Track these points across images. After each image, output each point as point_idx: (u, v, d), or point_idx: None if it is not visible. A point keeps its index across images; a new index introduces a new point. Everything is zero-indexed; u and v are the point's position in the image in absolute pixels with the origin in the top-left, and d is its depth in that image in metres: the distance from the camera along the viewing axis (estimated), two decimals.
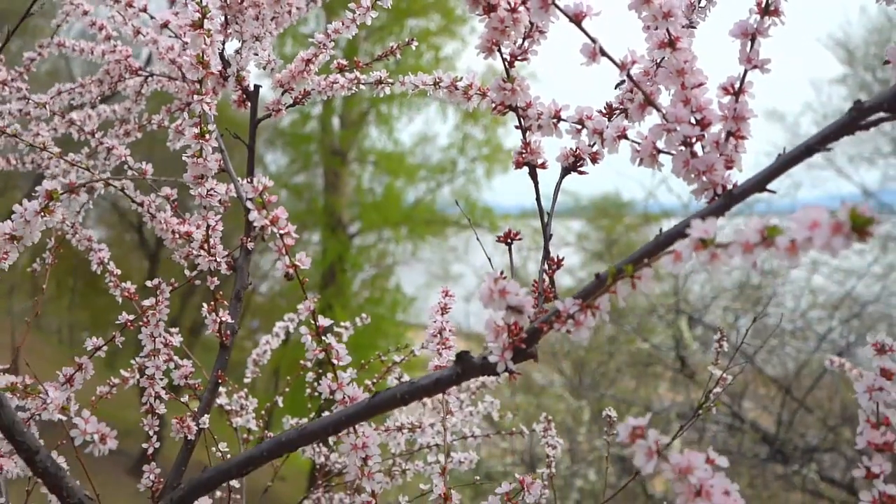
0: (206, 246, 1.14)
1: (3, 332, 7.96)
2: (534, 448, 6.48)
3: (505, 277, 0.68)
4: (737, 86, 0.75)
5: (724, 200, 0.71)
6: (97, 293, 10.89)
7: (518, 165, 0.92)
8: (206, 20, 1.00)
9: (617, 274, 0.63)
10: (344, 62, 1.31)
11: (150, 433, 1.11)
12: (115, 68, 1.54)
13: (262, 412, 1.75)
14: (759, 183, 0.69)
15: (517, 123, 0.92)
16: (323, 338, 0.87)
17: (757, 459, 5.99)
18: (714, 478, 0.54)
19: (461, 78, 1.09)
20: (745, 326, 1.69)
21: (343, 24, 1.25)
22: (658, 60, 0.81)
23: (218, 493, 1.45)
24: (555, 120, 0.90)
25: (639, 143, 0.82)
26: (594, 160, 0.90)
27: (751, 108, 0.75)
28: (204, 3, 1.00)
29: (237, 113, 1.34)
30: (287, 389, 1.92)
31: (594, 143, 0.89)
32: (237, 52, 1.25)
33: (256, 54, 1.25)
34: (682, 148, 0.77)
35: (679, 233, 0.69)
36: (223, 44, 1.26)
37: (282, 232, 0.84)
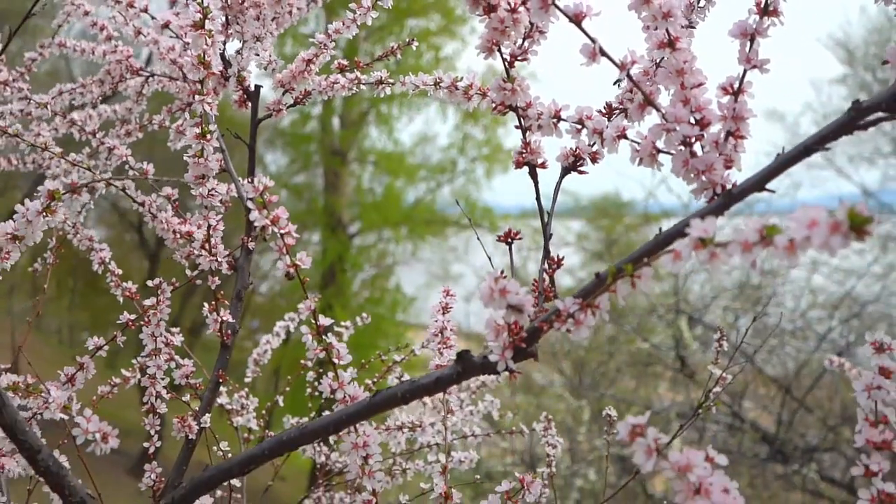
0: (207, 246, 1.14)
1: (3, 332, 7.96)
2: (534, 448, 6.48)
3: (505, 277, 0.68)
4: (736, 86, 0.76)
5: (724, 200, 0.72)
6: (97, 293, 10.90)
7: (518, 165, 0.93)
8: (207, 21, 1.01)
9: (617, 273, 0.63)
10: (344, 62, 1.32)
11: (152, 432, 1.12)
12: (116, 68, 1.54)
13: (263, 411, 1.76)
14: (758, 182, 0.70)
15: (517, 123, 0.92)
16: (324, 337, 0.87)
17: (757, 459, 5.99)
18: (713, 476, 0.54)
19: (461, 78, 1.10)
20: (745, 326, 1.69)
21: (343, 24, 1.26)
22: (658, 60, 0.81)
23: (219, 493, 1.45)
24: (555, 120, 0.90)
25: (638, 143, 0.82)
26: (594, 160, 0.90)
27: (750, 108, 0.75)
28: (205, 4, 1.01)
29: (237, 113, 1.34)
30: (287, 389, 1.92)
31: (594, 143, 0.89)
32: (238, 52, 1.26)
33: (257, 54, 1.25)
34: (682, 148, 0.77)
35: (678, 232, 0.69)
36: (224, 44, 1.26)
37: (282, 232, 0.84)
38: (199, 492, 0.92)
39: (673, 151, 0.78)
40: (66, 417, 0.88)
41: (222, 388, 1.51)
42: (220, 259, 1.15)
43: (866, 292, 7.21)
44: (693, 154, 0.77)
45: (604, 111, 0.89)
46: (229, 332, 1.17)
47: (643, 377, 7.62)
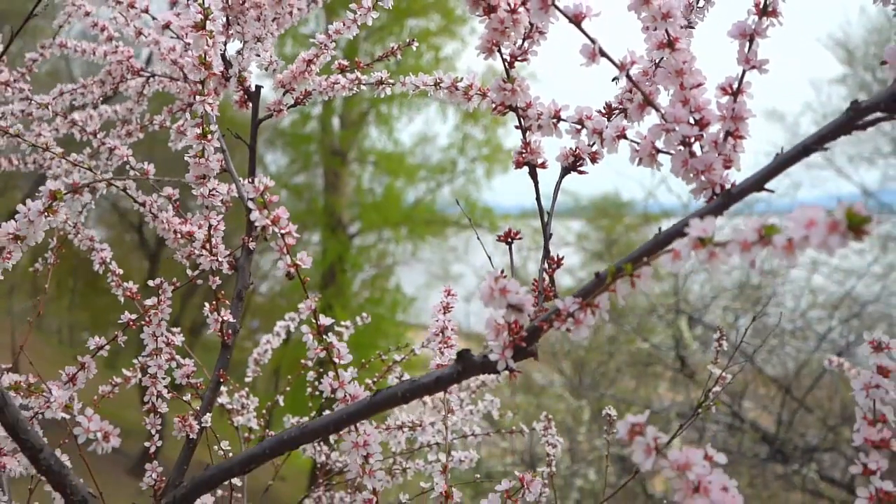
0: (208, 245, 1.14)
1: (4, 332, 7.96)
2: (534, 448, 6.49)
3: (505, 276, 0.69)
4: (735, 86, 0.76)
5: (723, 200, 0.72)
6: (98, 293, 10.91)
7: (518, 165, 0.93)
8: (208, 21, 1.01)
9: (616, 273, 0.64)
10: (345, 63, 1.32)
11: (153, 432, 1.12)
12: (117, 69, 1.55)
13: (263, 411, 1.76)
14: (757, 182, 0.70)
15: (517, 123, 0.93)
16: (324, 337, 0.88)
17: (757, 459, 5.99)
18: (712, 474, 0.54)
19: (461, 78, 1.10)
20: (745, 326, 1.70)
21: (344, 24, 1.26)
22: (657, 61, 0.81)
23: (219, 492, 1.46)
24: (555, 120, 0.90)
25: (638, 143, 0.82)
26: (594, 160, 0.91)
27: (749, 109, 0.76)
28: (206, 5, 1.01)
29: (237, 113, 1.35)
30: (288, 388, 1.93)
31: (594, 143, 0.90)
32: (239, 52, 1.26)
33: (258, 55, 1.26)
34: (681, 148, 0.77)
35: (678, 232, 0.69)
36: (225, 45, 1.26)
37: (283, 232, 0.84)
38: (200, 491, 0.92)
39: (672, 151, 0.78)
40: (67, 417, 0.88)
41: (223, 388, 1.51)
42: (220, 259, 1.15)
43: (866, 292, 7.22)
44: (692, 154, 0.77)
45: (603, 111, 0.89)
46: (230, 331, 1.17)
47: (643, 377, 7.63)
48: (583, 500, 6.06)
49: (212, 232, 1.14)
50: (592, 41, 0.77)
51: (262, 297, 11.25)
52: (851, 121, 0.66)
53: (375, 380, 1.76)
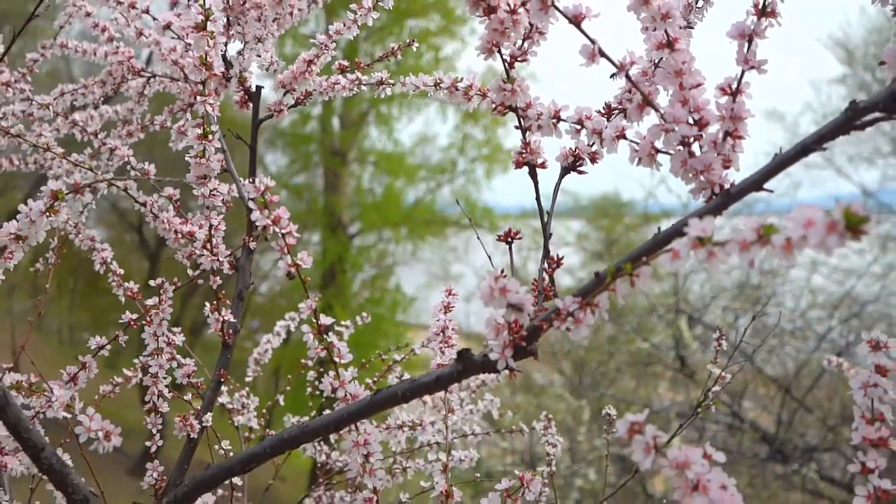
0: (208, 245, 1.15)
1: (4, 332, 7.96)
2: (534, 448, 6.49)
3: (505, 276, 0.69)
4: (734, 86, 0.76)
5: (722, 199, 0.72)
6: (98, 294, 10.91)
7: (518, 165, 0.93)
8: (209, 22, 1.01)
9: (616, 272, 0.64)
10: (345, 63, 1.32)
11: (154, 431, 1.12)
12: (117, 69, 1.55)
13: (264, 411, 1.77)
14: (756, 182, 0.70)
15: (517, 124, 0.93)
16: (325, 336, 0.88)
17: (757, 459, 5.99)
18: (711, 472, 0.54)
19: (462, 79, 1.10)
20: (745, 326, 1.70)
21: (345, 25, 1.26)
22: (656, 61, 0.82)
23: (220, 492, 1.46)
24: (554, 120, 0.91)
25: (637, 143, 0.83)
26: (593, 160, 0.91)
27: (748, 109, 0.76)
28: (207, 6, 1.01)
29: (237, 113, 1.35)
30: (288, 388, 1.93)
31: (593, 143, 0.90)
32: (239, 53, 1.26)
33: (259, 55, 1.26)
34: (680, 148, 0.78)
35: (677, 231, 0.70)
36: (225, 45, 1.26)
37: (284, 231, 0.85)
38: (202, 490, 0.92)
39: (671, 151, 0.79)
40: (69, 416, 0.88)
41: (223, 388, 1.51)
42: (221, 259, 1.15)
43: (866, 292, 7.22)
44: (691, 154, 0.77)
45: (603, 111, 0.89)
46: (231, 331, 1.17)
47: (643, 377, 7.63)
48: (583, 499, 6.06)
49: (213, 232, 1.15)
50: (592, 42, 0.78)
51: (262, 297, 11.26)
52: (850, 121, 0.67)
53: (375, 379, 1.76)
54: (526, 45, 0.89)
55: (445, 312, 1.07)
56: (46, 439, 0.87)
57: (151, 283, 1.13)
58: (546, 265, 0.88)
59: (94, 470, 1.04)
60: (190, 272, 1.20)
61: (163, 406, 1.12)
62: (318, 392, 1.82)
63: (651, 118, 0.83)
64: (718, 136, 0.76)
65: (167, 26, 1.27)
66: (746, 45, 0.76)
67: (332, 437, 1.71)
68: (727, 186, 0.74)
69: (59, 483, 0.86)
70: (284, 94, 1.30)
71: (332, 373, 0.88)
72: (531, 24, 0.86)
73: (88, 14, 1.50)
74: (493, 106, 0.91)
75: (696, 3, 0.88)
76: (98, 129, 1.55)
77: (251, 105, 1.31)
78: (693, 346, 6.53)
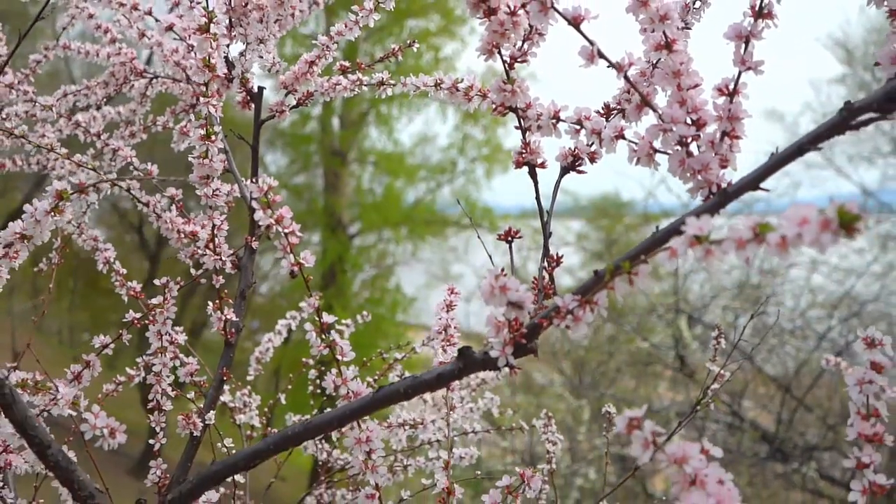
0: (211, 245, 1.16)
1: (4, 332, 7.97)
2: (534, 447, 6.50)
3: (506, 274, 0.70)
4: (731, 87, 0.77)
5: (719, 199, 0.73)
6: (97, 294, 10.91)
7: (518, 165, 0.94)
8: (212, 24, 1.02)
9: (614, 270, 0.65)
10: (346, 64, 1.33)
11: (157, 429, 1.13)
12: (120, 70, 1.56)
13: (265, 409, 1.78)
14: (753, 181, 0.71)
15: (517, 124, 0.94)
16: (327, 334, 0.89)
17: (757, 458, 6.00)
18: (709, 467, 0.55)
19: (462, 79, 1.11)
20: (744, 325, 1.71)
21: (346, 26, 1.27)
22: (655, 62, 0.83)
23: (222, 490, 1.47)
24: (554, 120, 0.91)
25: (636, 143, 0.84)
26: (592, 160, 0.92)
27: (745, 109, 0.77)
28: (210, 8, 1.02)
29: (237, 113, 1.36)
30: (289, 387, 1.94)
31: (592, 143, 0.91)
32: (241, 54, 1.27)
33: (261, 56, 1.27)
34: (678, 147, 0.79)
35: (675, 230, 0.70)
36: (227, 46, 1.27)
37: (286, 231, 0.86)
38: (206, 486, 0.93)
39: (670, 151, 0.80)
40: (74, 413, 0.89)
41: (225, 387, 1.52)
42: (224, 258, 1.16)
43: (865, 291, 7.23)
44: (689, 154, 0.78)
45: (602, 112, 0.90)
46: (233, 330, 1.18)
47: (643, 377, 7.64)
48: (583, 499, 6.07)
49: (215, 232, 1.15)
50: (591, 43, 0.79)
51: (262, 297, 11.26)
52: (845, 121, 0.67)
53: (376, 378, 1.77)
54: (526, 46, 0.90)
55: (447, 311, 1.07)
56: (52, 436, 0.88)
57: (156, 282, 1.13)
58: (546, 264, 0.89)
59: (93, 472, 1.05)
60: (193, 272, 1.21)
61: (166, 404, 1.13)
62: (319, 390, 1.83)
63: (649, 118, 0.84)
64: (716, 136, 0.77)
65: (169, 28, 1.28)
66: (743, 46, 0.77)
67: (334, 435, 1.72)
68: (724, 185, 0.75)
69: (65, 480, 0.87)
70: (286, 95, 1.31)
71: (334, 370, 0.89)
72: (531, 26, 0.87)
73: (91, 16, 1.51)
74: (494, 106, 0.92)
75: (694, 4, 0.89)
76: (101, 130, 1.56)
77: (253, 106, 1.32)
78: (693, 346, 6.54)
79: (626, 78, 0.82)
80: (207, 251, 1.16)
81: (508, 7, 0.82)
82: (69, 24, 1.58)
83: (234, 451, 1.42)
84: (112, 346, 1.14)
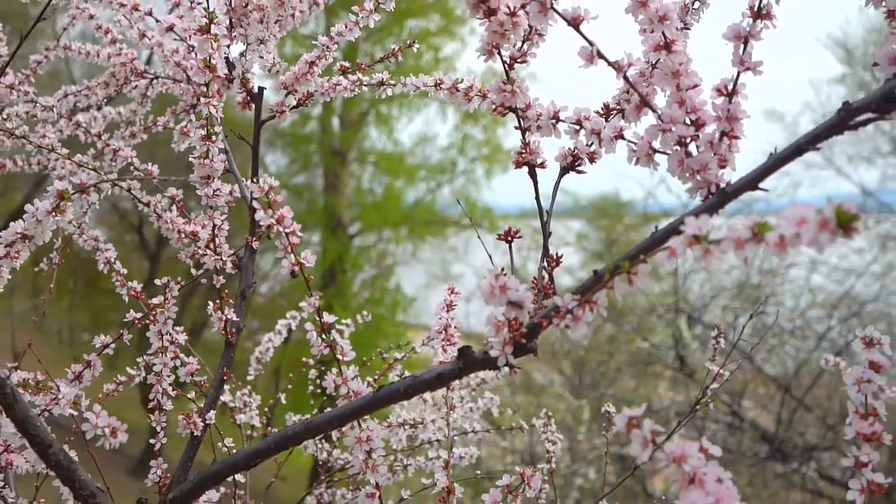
0: (211, 245, 1.16)
1: (4, 332, 7.97)
2: (534, 447, 6.50)
3: (506, 274, 0.70)
4: (730, 87, 0.77)
5: (718, 198, 0.73)
6: (97, 294, 10.91)
7: (518, 165, 0.94)
8: (212, 25, 1.02)
9: (614, 270, 0.65)
10: (346, 64, 1.33)
11: (158, 429, 1.13)
12: (120, 71, 1.56)
13: (266, 409, 1.78)
14: (752, 181, 0.71)
15: (517, 124, 0.94)
16: (328, 333, 0.89)
17: (756, 458, 6.01)
18: (708, 466, 0.56)
19: (462, 80, 1.11)
20: (743, 325, 1.71)
21: (346, 26, 1.28)
22: (654, 62, 0.83)
23: (222, 489, 1.47)
24: (553, 121, 0.92)
25: (635, 143, 0.84)
26: (592, 160, 0.92)
27: (744, 109, 0.77)
28: (211, 9, 1.03)
29: (237, 113, 1.36)
30: (290, 387, 1.94)
31: (592, 143, 0.91)
32: (242, 54, 1.27)
33: (261, 57, 1.27)
34: (678, 148, 0.79)
35: (674, 230, 0.71)
36: (228, 47, 1.28)
37: (287, 231, 0.86)
38: (206, 485, 0.93)
39: (669, 151, 0.80)
40: (75, 413, 0.89)
41: (225, 387, 1.53)
42: (224, 258, 1.16)
43: (865, 291, 7.23)
44: (688, 154, 0.79)
45: (601, 112, 0.91)
46: (233, 330, 1.18)
47: (643, 377, 7.64)
48: (583, 499, 6.07)
49: (216, 232, 1.16)
50: (590, 43, 0.79)
51: (262, 297, 11.27)
52: (843, 121, 0.68)
53: (376, 378, 1.77)
54: (525, 46, 0.90)
55: (447, 311, 1.08)
56: (53, 436, 0.88)
57: (157, 282, 1.14)
58: (545, 264, 0.89)
59: (94, 471, 1.05)
60: (193, 272, 1.21)
61: (167, 404, 1.14)
62: (319, 390, 1.83)
63: (649, 119, 0.84)
64: (715, 137, 0.78)
65: (170, 28, 1.28)
66: (742, 46, 0.77)
67: (334, 435, 1.72)
68: (723, 186, 0.75)
69: (66, 479, 0.87)
70: (286, 95, 1.32)
71: (335, 370, 0.89)
72: (531, 27, 0.87)
73: (92, 16, 1.52)
74: (493, 106, 0.92)
75: (693, 4, 0.89)
76: (101, 131, 1.56)
77: (253, 106, 1.32)
78: (693, 346, 6.54)
79: (625, 78, 0.83)
80: (208, 251, 1.16)
81: (508, 8, 0.82)
82: (70, 25, 1.59)
83: (234, 451, 1.42)
84: (113, 345, 1.14)
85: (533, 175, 0.95)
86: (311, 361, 1.78)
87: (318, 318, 0.89)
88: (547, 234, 0.91)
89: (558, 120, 0.92)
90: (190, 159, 1.08)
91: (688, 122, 0.79)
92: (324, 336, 0.89)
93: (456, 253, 11.55)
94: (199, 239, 1.20)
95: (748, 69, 0.76)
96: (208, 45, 1.02)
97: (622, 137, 0.87)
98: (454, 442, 1.63)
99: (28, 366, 1.12)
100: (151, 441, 1.15)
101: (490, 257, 1.03)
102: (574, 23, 0.78)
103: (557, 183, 0.94)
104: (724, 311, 7.08)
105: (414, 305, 10.88)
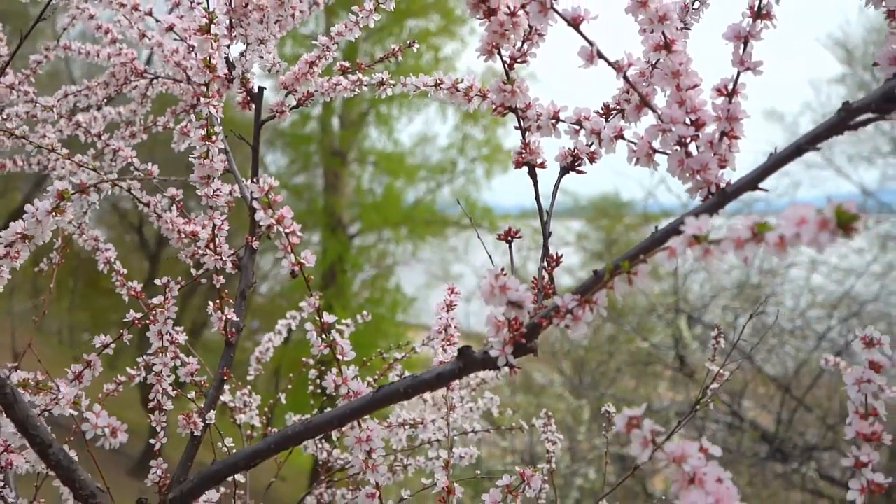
0: (212, 245, 1.16)
1: (4, 332, 7.97)
2: (534, 447, 6.51)
3: (506, 274, 0.70)
4: (730, 87, 0.78)
5: (718, 198, 0.73)
6: (97, 294, 10.92)
7: (518, 165, 0.95)
8: (213, 25, 1.02)
9: (614, 270, 0.65)
10: (346, 64, 1.33)
11: (158, 429, 1.13)
12: (120, 71, 1.56)
13: (266, 409, 1.78)
14: (752, 181, 0.71)
15: (517, 124, 0.94)
16: (328, 334, 0.89)
17: (756, 458, 6.01)
18: (708, 466, 0.56)
19: (462, 80, 1.11)
20: (743, 325, 1.71)
21: (346, 26, 1.28)
22: (654, 62, 0.83)
23: (222, 489, 1.47)
24: (553, 121, 0.92)
25: (635, 143, 0.84)
26: (592, 160, 0.92)
27: (744, 109, 0.77)
28: (211, 9, 1.03)
29: (237, 113, 1.36)
30: (289, 387, 1.94)
31: (592, 143, 0.91)
32: (242, 54, 1.27)
33: (261, 57, 1.27)
34: (678, 148, 0.79)
35: (674, 230, 0.71)
36: (228, 47, 1.28)
37: (287, 231, 0.86)
38: (207, 485, 0.94)
39: (669, 151, 0.80)
40: (75, 413, 0.89)
41: (225, 387, 1.53)
42: (224, 258, 1.16)
43: (865, 291, 7.23)
44: (688, 154, 0.79)
45: (601, 112, 0.91)
46: (233, 330, 1.18)
47: (643, 377, 7.64)
48: (583, 499, 6.07)
49: (216, 232, 1.16)
50: (590, 43, 0.79)
51: (262, 297, 11.27)
52: (843, 121, 0.68)
53: (376, 378, 1.77)
54: (525, 46, 0.90)
55: (447, 311, 1.08)
56: (53, 436, 0.88)
57: (157, 282, 1.14)
58: (545, 264, 0.89)
59: (94, 471, 1.05)
60: (193, 271, 1.21)
61: (167, 404, 1.14)
62: (319, 390, 1.83)
63: (649, 119, 0.84)
64: (715, 137, 0.78)
65: (170, 28, 1.28)
66: (742, 46, 0.77)
67: (334, 435, 1.72)
68: (723, 186, 0.75)
69: (66, 479, 0.87)
70: (286, 95, 1.32)
71: (335, 370, 0.89)
72: (531, 27, 0.87)
73: (92, 16, 1.52)
74: (493, 107, 0.92)
75: (693, 4, 0.89)
76: (101, 131, 1.56)
77: (253, 106, 1.32)
78: (693, 346, 6.54)
79: (625, 78, 0.83)
80: (208, 251, 1.16)
81: (508, 8, 0.82)
82: (70, 25, 1.59)
83: (234, 451, 1.42)
84: (113, 345, 1.14)
85: (533, 175, 0.95)
86: (311, 361, 1.78)
87: (318, 318, 0.89)
88: (547, 234, 0.91)
89: (558, 120, 0.92)
90: (190, 159, 1.08)
91: (688, 122, 0.79)
92: (324, 336, 0.89)
93: (456, 253, 11.56)
94: (199, 239, 1.20)
95: (748, 69, 0.76)
96: (208, 45, 1.02)
97: (622, 137, 0.87)
98: (454, 442, 1.63)
99: (28, 366, 1.12)
100: (151, 441, 1.15)
101: (490, 257, 1.03)
102: (574, 23, 0.78)
103: (557, 183, 0.94)
104: (724, 311, 7.08)
105: (414, 305, 10.88)
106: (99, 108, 1.65)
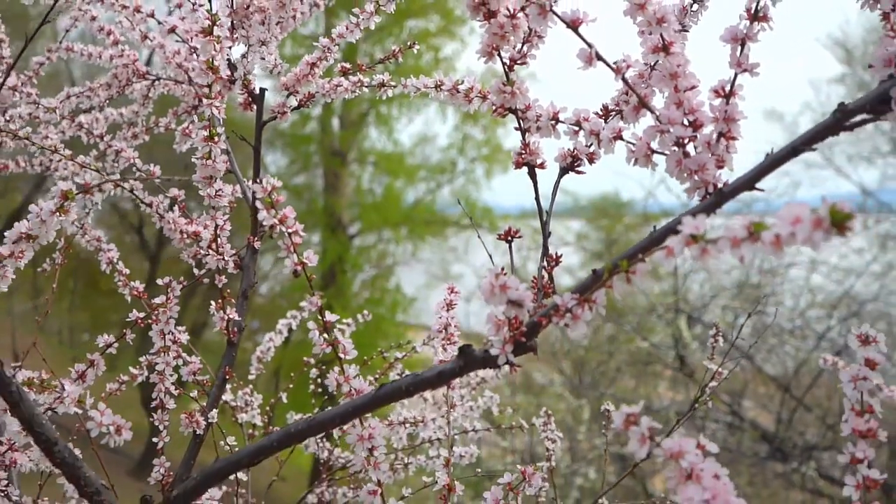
0: (214, 245, 1.17)
1: (4, 332, 7.98)
2: (534, 447, 6.51)
3: (506, 274, 0.71)
4: (728, 89, 0.78)
5: (716, 198, 0.74)
6: (98, 295, 10.92)
7: (518, 166, 0.95)
8: (215, 27, 1.03)
9: (612, 269, 0.66)
10: (347, 65, 1.34)
11: (161, 428, 1.14)
12: (122, 72, 1.57)
13: (267, 408, 1.79)
14: (749, 182, 0.72)
15: (517, 125, 0.95)
16: (329, 332, 0.90)
17: (756, 458, 6.02)
18: (705, 462, 0.56)
19: (462, 81, 1.12)
20: (742, 324, 1.72)
21: (347, 28, 1.28)
22: (652, 64, 0.84)
23: (225, 488, 1.48)
24: (553, 122, 0.93)
25: (634, 144, 0.85)
26: (591, 160, 0.93)
27: (741, 110, 0.78)
28: (214, 11, 1.03)
29: (237, 113, 1.37)
30: (290, 386, 1.95)
31: (591, 144, 0.92)
32: (243, 56, 1.28)
33: (263, 58, 1.28)
34: (675, 148, 0.80)
35: (672, 229, 0.71)
36: (230, 48, 1.28)
37: (290, 231, 0.87)
38: (210, 483, 0.94)
39: (667, 152, 0.81)
40: (80, 411, 0.90)
41: (227, 386, 1.53)
42: (226, 258, 1.17)
43: (865, 291, 7.24)
44: (686, 154, 0.79)
45: (600, 113, 0.91)
46: (235, 329, 1.19)
47: (643, 376, 7.65)
48: (583, 498, 6.08)
49: (218, 232, 1.17)
50: (589, 45, 0.80)
51: (262, 297, 11.27)
52: (839, 122, 0.69)
53: (377, 377, 1.78)
54: (525, 48, 0.91)
55: (448, 310, 1.09)
56: (58, 434, 0.89)
57: (159, 282, 1.15)
58: (545, 263, 0.90)
59: (98, 470, 1.06)
60: (195, 271, 1.22)
61: (170, 403, 1.14)
62: (320, 389, 1.84)
63: (647, 120, 0.85)
64: (712, 137, 0.79)
65: (172, 30, 1.29)
66: (739, 48, 0.78)
67: (335, 434, 1.73)
68: (721, 186, 0.76)
69: (71, 476, 0.88)
70: (287, 96, 1.33)
71: (336, 369, 0.90)
72: (530, 28, 0.88)
73: (94, 18, 1.52)
74: (493, 108, 0.93)
75: (691, 6, 0.90)
76: (104, 132, 1.57)
77: (255, 107, 1.33)
78: (693, 346, 6.55)
79: (623, 80, 0.83)
80: (210, 251, 1.17)
81: (508, 10, 0.83)
82: (72, 27, 1.59)
83: (236, 450, 1.43)
84: (115, 345, 1.15)
85: (533, 175, 0.95)
86: (312, 361, 1.79)
87: (320, 317, 0.90)
88: (547, 234, 0.92)
89: (558, 121, 0.93)
90: (192, 160, 1.09)
91: (686, 123, 0.80)
92: (326, 335, 0.89)
93: (456, 253, 11.56)
94: (201, 239, 1.21)
95: (745, 71, 0.77)
96: (211, 46, 1.03)
97: (621, 138, 0.88)
98: (454, 441, 1.64)
99: (31, 365, 1.13)
100: (154, 440, 1.15)
101: (490, 257, 1.04)
102: (573, 25, 0.79)
103: (557, 183, 0.95)
104: (724, 310, 7.09)
105: (414, 305, 10.88)
106: (101, 110, 1.66)
